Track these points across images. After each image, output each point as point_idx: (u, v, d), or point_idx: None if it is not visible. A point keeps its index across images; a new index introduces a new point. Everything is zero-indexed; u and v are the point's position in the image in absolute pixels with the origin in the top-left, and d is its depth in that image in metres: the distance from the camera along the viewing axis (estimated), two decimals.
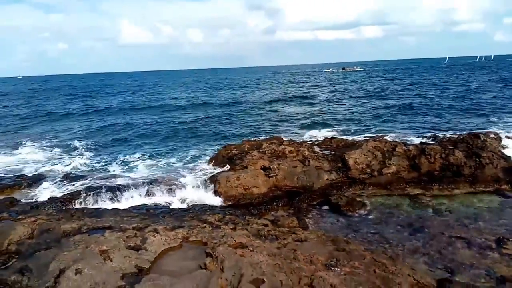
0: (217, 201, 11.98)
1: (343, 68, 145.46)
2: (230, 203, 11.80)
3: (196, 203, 11.74)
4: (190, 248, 7.67)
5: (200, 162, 16.45)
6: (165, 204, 11.58)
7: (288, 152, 14.19)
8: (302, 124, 25.37)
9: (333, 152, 14.50)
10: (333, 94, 45.22)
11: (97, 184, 12.99)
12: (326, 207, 11.61)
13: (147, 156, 17.95)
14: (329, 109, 32.14)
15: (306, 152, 14.16)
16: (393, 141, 14.90)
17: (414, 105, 31.22)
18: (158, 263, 7.07)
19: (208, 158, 16.78)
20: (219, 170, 14.33)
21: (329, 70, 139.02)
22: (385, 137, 16.73)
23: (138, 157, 17.86)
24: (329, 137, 17.03)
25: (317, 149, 15.16)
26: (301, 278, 5.72)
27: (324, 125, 24.37)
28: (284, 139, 16.83)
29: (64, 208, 11.29)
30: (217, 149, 18.31)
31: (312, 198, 12.01)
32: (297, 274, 5.99)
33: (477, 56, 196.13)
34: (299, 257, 6.65)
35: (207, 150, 19.05)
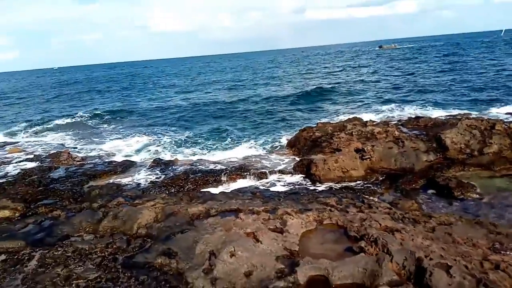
0: (315, 184, 11.80)
1: (380, 47, 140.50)
2: (328, 185, 11.59)
3: (295, 186, 11.64)
4: (326, 231, 7.54)
5: (279, 145, 16.34)
6: (265, 188, 11.55)
7: (377, 133, 13.74)
8: (371, 105, 24.70)
9: (424, 132, 13.92)
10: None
11: (191, 169, 13.16)
12: (431, 190, 11.10)
13: (228, 141, 18.03)
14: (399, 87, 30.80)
15: (396, 132, 13.65)
16: (489, 119, 14.09)
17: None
18: (302, 245, 6.99)
19: (283, 142, 16.67)
20: (305, 153, 14.17)
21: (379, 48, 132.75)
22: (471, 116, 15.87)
23: (217, 142, 18.03)
24: (414, 116, 16.38)
25: (404, 129, 14.60)
26: (482, 263, 5.43)
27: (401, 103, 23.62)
28: (364, 119, 16.37)
29: (167, 192, 11.53)
30: (282, 134, 18.27)
31: (414, 181, 11.53)
32: (469, 258, 5.70)
33: None
34: (458, 241, 6.35)
35: (280, 133, 18.89)
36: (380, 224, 7.02)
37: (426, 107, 21.75)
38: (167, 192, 11.49)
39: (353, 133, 13.94)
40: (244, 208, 8.40)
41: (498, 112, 18.39)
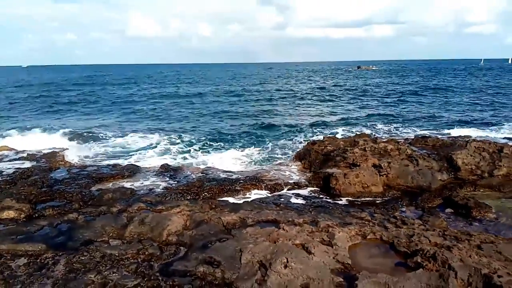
0: (334, 198, 11.68)
1: (358, 67, 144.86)
2: (349, 200, 11.52)
3: (315, 200, 11.49)
4: (371, 246, 7.42)
5: (286, 158, 16.23)
6: (285, 200, 11.33)
7: (390, 150, 13.88)
8: (372, 123, 25.23)
9: (434, 152, 14.18)
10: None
11: (204, 177, 12.80)
12: (449, 209, 11.21)
13: (232, 151, 17.74)
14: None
15: (409, 151, 13.83)
16: (496, 142, 14.55)
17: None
18: (353, 259, 6.83)
19: (290, 154, 16.61)
20: (317, 166, 14.11)
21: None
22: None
23: (221, 150, 17.77)
24: (420, 136, 16.71)
25: (413, 148, 14.81)
26: None
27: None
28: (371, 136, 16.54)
29: (183, 199, 11.11)
30: (286, 147, 18.33)
31: (432, 199, 11.63)
32: None
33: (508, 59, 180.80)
34: (510, 258, 6.39)
35: (284, 146, 18.84)
36: (430, 241, 6.96)
37: (426, 127, 22.38)
38: (183, 198, 11.08)
39: (366, 149, 14.01)
40: (281, 219, 8.17)
41: (496, 135, 19.09)
